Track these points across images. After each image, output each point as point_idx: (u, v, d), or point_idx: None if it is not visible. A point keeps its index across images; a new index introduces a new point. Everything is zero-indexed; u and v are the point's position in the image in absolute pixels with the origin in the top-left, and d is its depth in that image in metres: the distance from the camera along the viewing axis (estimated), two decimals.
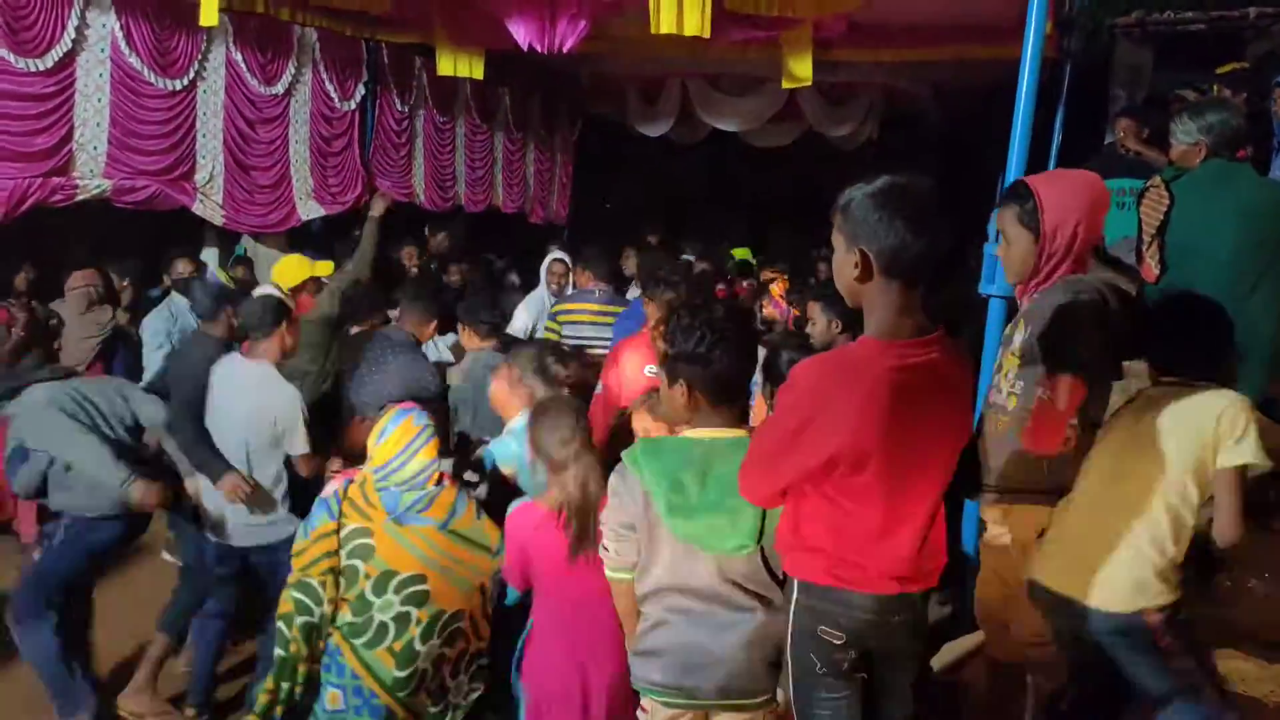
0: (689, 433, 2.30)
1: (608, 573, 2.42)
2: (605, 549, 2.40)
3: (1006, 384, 2.52)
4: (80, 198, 5.66)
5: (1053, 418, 2.38)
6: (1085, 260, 2.50)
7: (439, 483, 2.91)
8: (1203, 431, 2.34)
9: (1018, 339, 2.51)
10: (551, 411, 2.80)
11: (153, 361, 5.51)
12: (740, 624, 2.27)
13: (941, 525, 2.12)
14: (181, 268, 6.00)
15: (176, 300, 5.71)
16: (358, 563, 2.82)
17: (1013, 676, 2.79)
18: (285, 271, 5.17)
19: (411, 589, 2.83)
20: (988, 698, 2.91)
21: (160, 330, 5.56)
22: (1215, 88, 5.71)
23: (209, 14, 4.81)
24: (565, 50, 5.83)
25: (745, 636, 2.27)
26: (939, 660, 3.31)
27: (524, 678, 2.80)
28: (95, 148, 5.74)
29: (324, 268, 5.30)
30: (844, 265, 1.99)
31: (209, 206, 6.51)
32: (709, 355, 2.22)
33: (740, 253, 8.61)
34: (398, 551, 2.83)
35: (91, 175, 5.71)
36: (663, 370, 2.32)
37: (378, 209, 5.75)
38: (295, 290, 5.00)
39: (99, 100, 5.74)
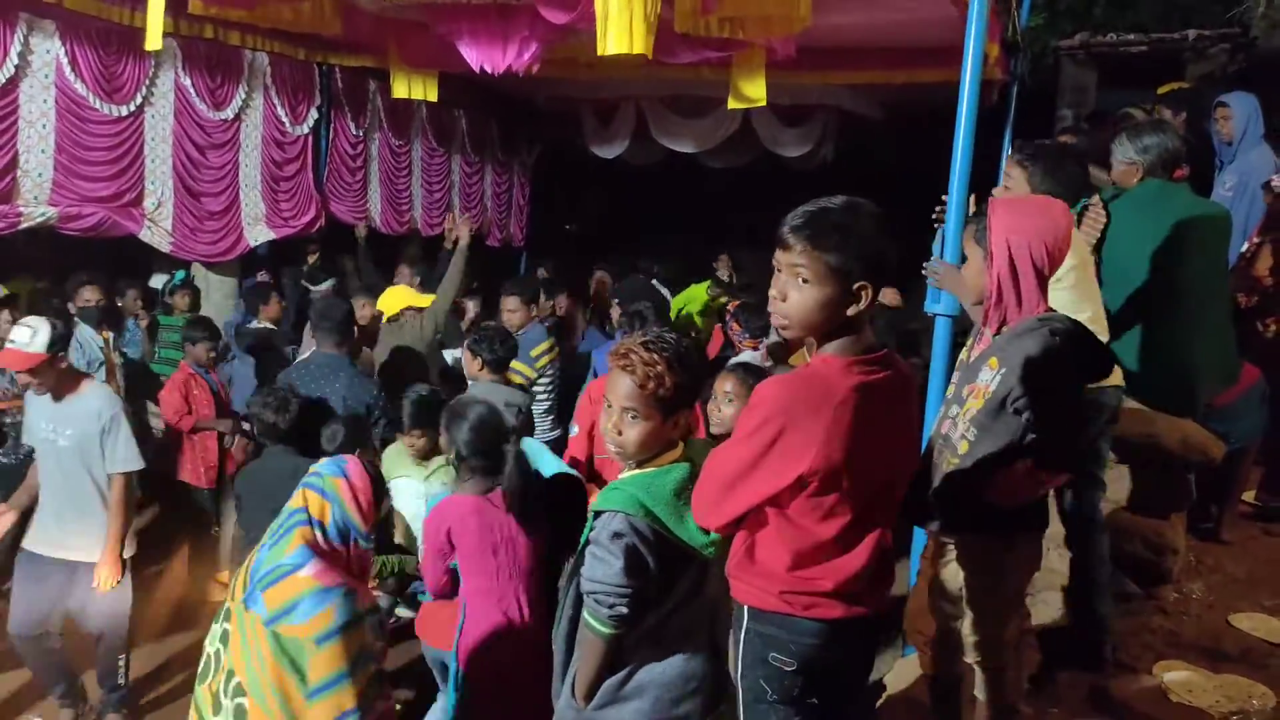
0: (662, 463, 2.19)
1: (606, 631, 2.15)
2: (609, 607, 2.12)
3: (963, 423, 2.39)
4: (24, 225, 5.55)
5: (1024, 486, 2.35)
6: (1039, 288, 2.38)
7: (302, 549, 2.37)
8: None
9: (988, 378, 2.36)
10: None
11: None
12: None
13: (890, 543, 2.13)
14: (133, 296, 5.89)
15: (82, 330, 5.58)
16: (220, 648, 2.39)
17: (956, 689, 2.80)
18: (389, 300, 5.61)
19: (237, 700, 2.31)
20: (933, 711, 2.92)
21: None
22: (1156, 108, 5.84)
23: (154, 38, 4.74)
24: (517, 72, 5.84)
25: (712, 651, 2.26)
26: (893, 680, 3.32)
27: (469, 659, 2.83)
28: (40, 175, 5.63)
29: (425, 300, 5.64)
30: (832, 300, 1.93)
31: (157, 234, 6.41)
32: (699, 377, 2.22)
33: (698, 291, 8.53)
34: (235, 643, 2.34)
35: (36, 203, 5.61)
36: (658, 409, 2.14)
37: (464, 236, 5.78)
38: (393, 319, 5.52)
39: (44, 126, 5.63)
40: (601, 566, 2.12)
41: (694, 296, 8.38)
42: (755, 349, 5.36)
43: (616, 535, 2.11)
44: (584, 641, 2.23)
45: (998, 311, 2.42)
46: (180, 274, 7.02)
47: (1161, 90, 6.32)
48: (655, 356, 2.11)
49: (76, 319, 5.68)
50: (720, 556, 2.18)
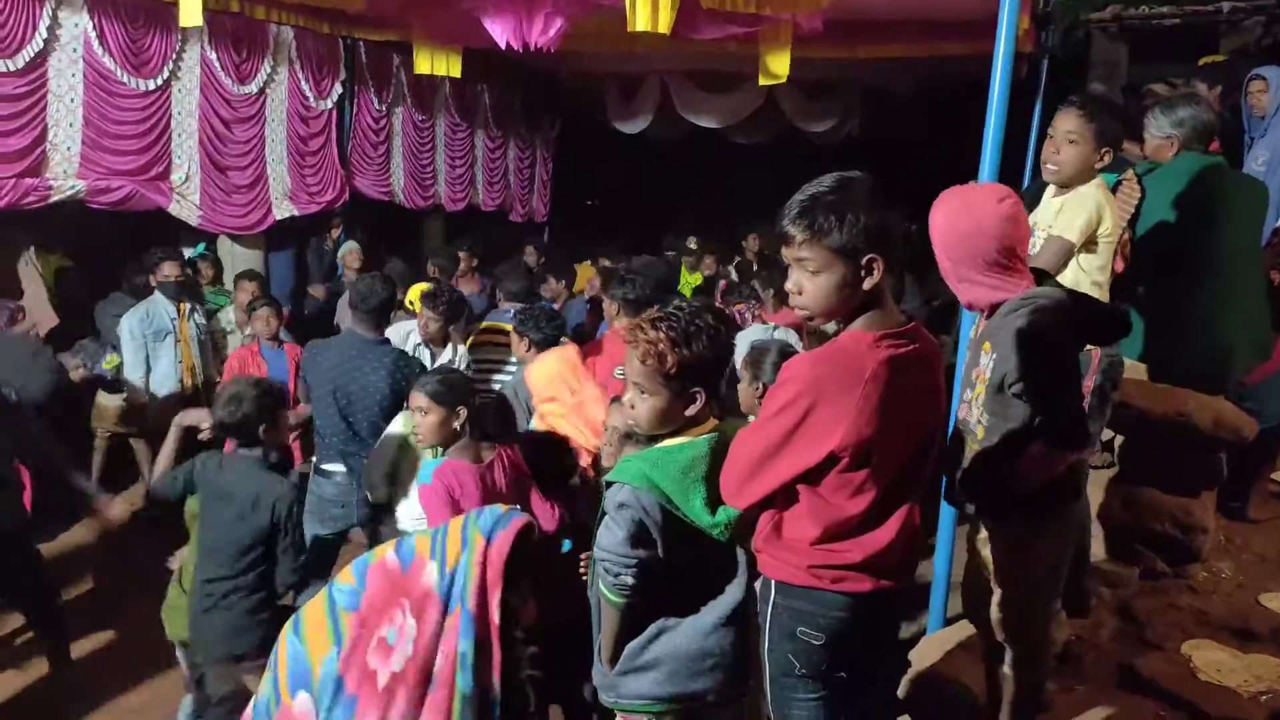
0: (670, 441, 2.20)
1: (616, 599, 2.21)
2: (615, 576, 2.17)
3: (976, 408, 2.37)
4: (54, 199, 5.60)
5: (1043, 467, 2.33)
6: (1004, 271, 2.28)
7: None
8: None
9: (985, 362, 2.34)
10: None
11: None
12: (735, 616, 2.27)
13: (917, 518, 2.13)
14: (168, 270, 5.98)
15: (156, 301, 5.87)
16: None
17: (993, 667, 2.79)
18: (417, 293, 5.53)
19: None
20: (971, 690, 2.92)
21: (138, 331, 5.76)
22: (1190, 81, 5.75)
23: (190, 14, 4.75)
24: (543, 48, 5.81)
25: (737, 628, 2.27)
26: (919, 655, 3.32)
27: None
28: (69, 148, 5.68)
29: None
30: (845, 280, 1.93)
31: (185, 207, 6.46)
32: (728, 355, 2.21)
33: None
34: None
35: (65, 176, 5.66)
36: (665, 385, 2.14)
37: None
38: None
39: (72, 101, 5.68)
40: (608, 535, 2.17)
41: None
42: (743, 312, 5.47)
43: (621, 506, 2.16)
44: (601, 607, 2.30)
45: (964, 290, 2.36)
46: (200, 246, 7.09)
47: (1202, 62, 6.24)
48: (659, 334, 2.11)
49: (156, 290, 5.94)
50: (743, 535, 2.19)
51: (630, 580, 2.17)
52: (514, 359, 4.82)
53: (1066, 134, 2.99)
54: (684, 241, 9.57)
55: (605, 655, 2.32)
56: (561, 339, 4.44)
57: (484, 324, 5.52)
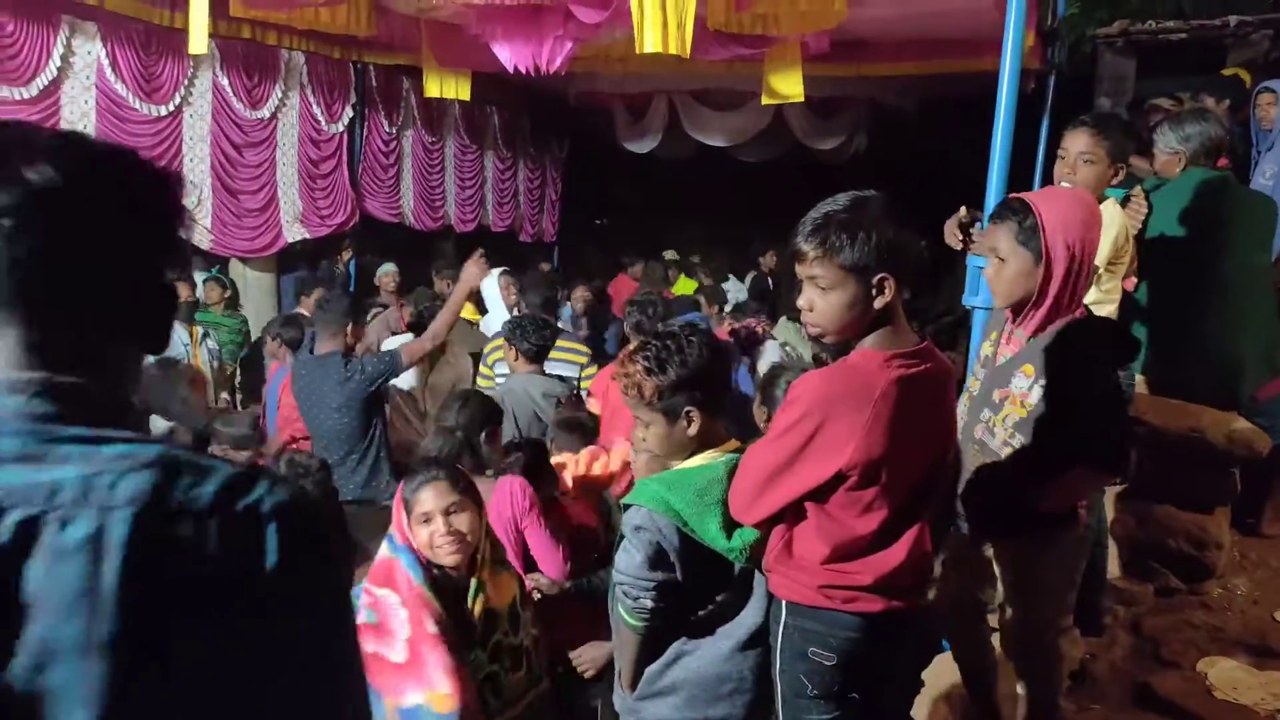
0: (688, 463, 2.19)
1: (635, 624, 2.19)
2: (634, 600, 2.16)
3: (1003, 430, 2.35)
4: None
5: (1077, 490, 2.33)
6: (1086, 287, 2.34)
7: None
8: None
9: (1024, 385, 2.30)
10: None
11: None
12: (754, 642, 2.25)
13: (928, 539, 2.13)
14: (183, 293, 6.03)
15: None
16: None
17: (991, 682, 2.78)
18: None
19: None
20: (971, 703, 2.90)
21: None
22: (1197, 95, 5.75)
23: (198, 43, 4.81)
24: (551, 72, 5.86)
25: (755, 652, 2.24)
26: (933, 675, 3.30)
27: None
28: None
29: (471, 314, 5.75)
30: (857, 298, 1.93)
31: (197, 231, 6.51)
32: (710, 368, 2.16)
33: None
34: None
35: None
36: (657, 411, 2.14)
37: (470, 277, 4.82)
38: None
39: (84, 127, 5.73)
40: (625, 558, 2.15)
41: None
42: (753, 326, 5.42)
43: (637, 529, 2.14)
44: (618, 630, 2.28)
45: (1042, 313, 2.34)
46: (213, 269, 7.14)
47: (1225, 71, 6.26)
48: (633, 367, 2.13)
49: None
50: (759, 558, 2.18)
51: (649, 603, 2.15)
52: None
53: (1080, 154, 2.98)
54: (693, 259, 9.66)
55: (625, 680, 2.30)
56: (551, 348, 4.50)
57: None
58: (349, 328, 4.35)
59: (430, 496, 2.34)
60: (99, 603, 0.76)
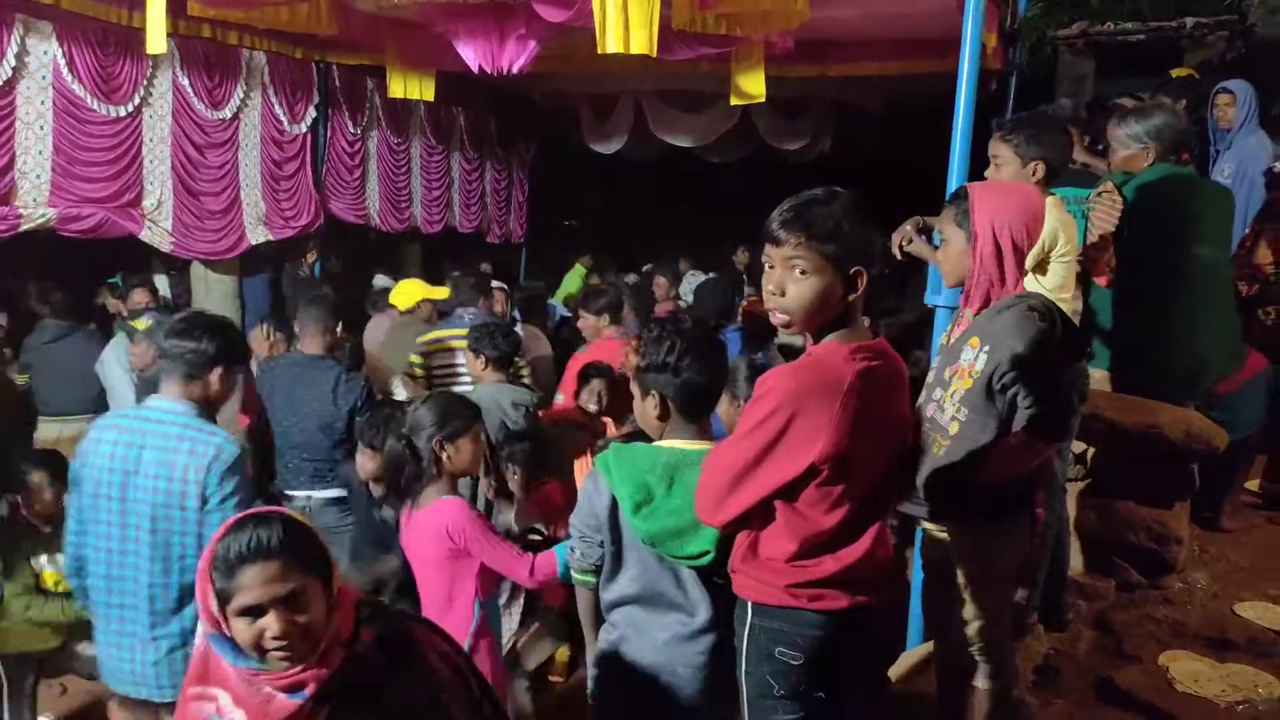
0: (659, 443, 2.31)
1: (573, 574, 2.44)
2: (571, 550, 2.41)
3: (951, 405, 2.41)
4: (24, 227, 5.54)
5: (1017, 460, 2.37)
6: (1018, 266, 2.43)
7: None
8: None
9: (970, 357, 2.39)
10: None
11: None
12: (704, 637, 2.27)
13: (889, 536, 2.15)
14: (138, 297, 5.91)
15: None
16: None
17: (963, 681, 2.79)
18: (402, 293, 5.77)
19: None
20: (941, 704, 2.92)
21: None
22: (1155, 94, 5.82)
23: (155, 42, 4.72)
24: (515, 72, 5.83)
25: (708, 648, 2.27)
26: (896, 670, 3.32)
27: None
28: (38, 176, 5.62)
29: (440, 292, 5.77)
30: (833, 288, 1.96)
31: (157, 233, 6.41)
32: (678, 365, 2.23)
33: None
34: None
35: (35, 204, 5.60)
36: (635, 383, 2.33)
37: None
38: (407, 311, 5.65)
39: (41, 128, 5.62)
40: (577, 511, 2.39)
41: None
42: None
43: (591, 482, 2.35)
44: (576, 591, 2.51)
45: (979, 291, 2.46)
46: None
47: (1176, 73, 6.35)
48: (636, 342, 2.39)
49: (125, 320, 5.80)
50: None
51: (576, 551, 2.38)
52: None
53: (992, 158, 3.14)
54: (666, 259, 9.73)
55: (586, 635, 2.52)
56: (516, 356, 4.54)
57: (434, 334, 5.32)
58: (337, 328, 4.49)
59: (255, 582, 1.57)
60: None
